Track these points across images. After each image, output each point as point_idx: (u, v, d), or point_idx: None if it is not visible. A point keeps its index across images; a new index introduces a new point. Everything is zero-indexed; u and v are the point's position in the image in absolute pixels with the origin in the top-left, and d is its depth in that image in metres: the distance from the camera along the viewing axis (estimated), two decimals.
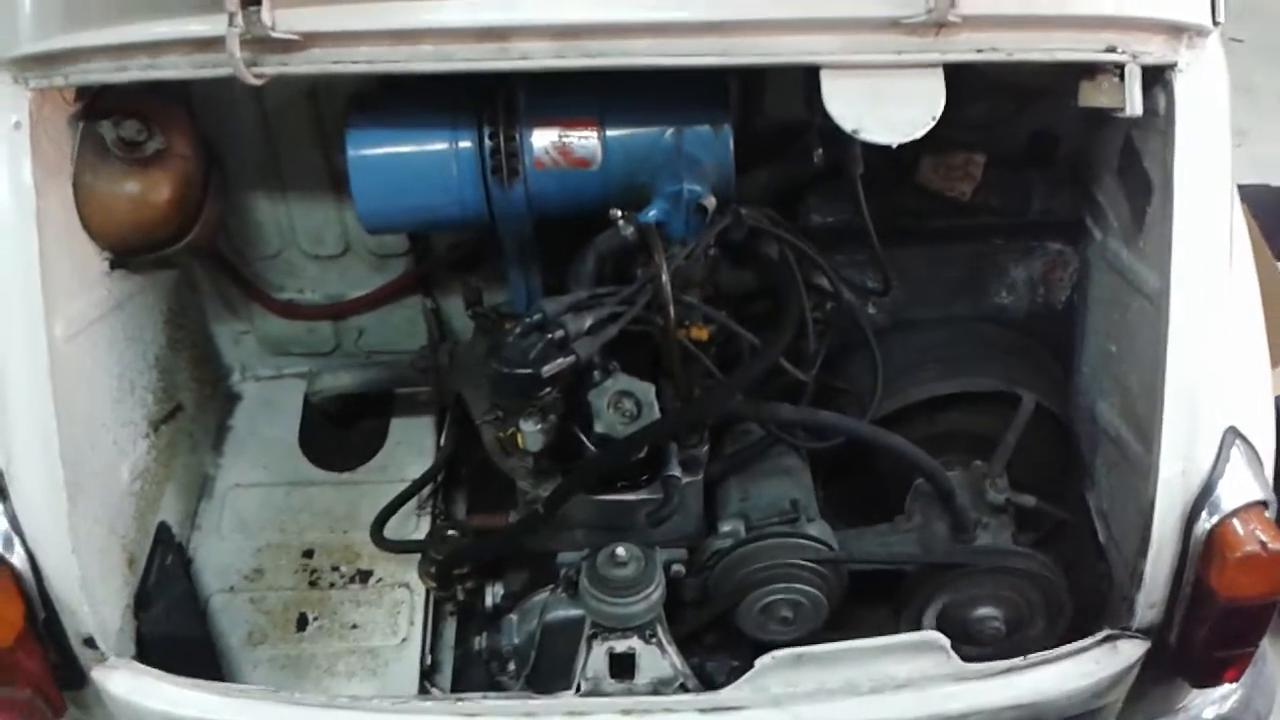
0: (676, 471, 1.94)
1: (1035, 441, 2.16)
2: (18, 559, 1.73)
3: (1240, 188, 1.92)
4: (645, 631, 1.86)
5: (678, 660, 1.89)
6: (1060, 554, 2.07)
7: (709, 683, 1.95)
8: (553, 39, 1.65)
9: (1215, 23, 1.70)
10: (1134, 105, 1.69)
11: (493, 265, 2.28)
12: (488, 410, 2.00)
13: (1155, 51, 1.69)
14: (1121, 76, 1.69)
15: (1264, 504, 1.73)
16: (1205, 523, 1.71)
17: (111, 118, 1.92)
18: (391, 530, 2.32)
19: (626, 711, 1.80)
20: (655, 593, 1.84)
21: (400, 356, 2.51)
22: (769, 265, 2.08)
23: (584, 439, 1.93)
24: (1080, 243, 2.20)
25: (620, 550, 1.85)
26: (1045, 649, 1.83)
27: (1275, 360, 2.54)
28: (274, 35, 1.60)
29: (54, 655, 1.80)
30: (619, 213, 1.91)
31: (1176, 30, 1.69)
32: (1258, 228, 3.06)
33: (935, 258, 2.26)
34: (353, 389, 2.52)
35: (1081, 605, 2.01)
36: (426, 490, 2.41)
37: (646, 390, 1.88)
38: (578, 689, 1.86)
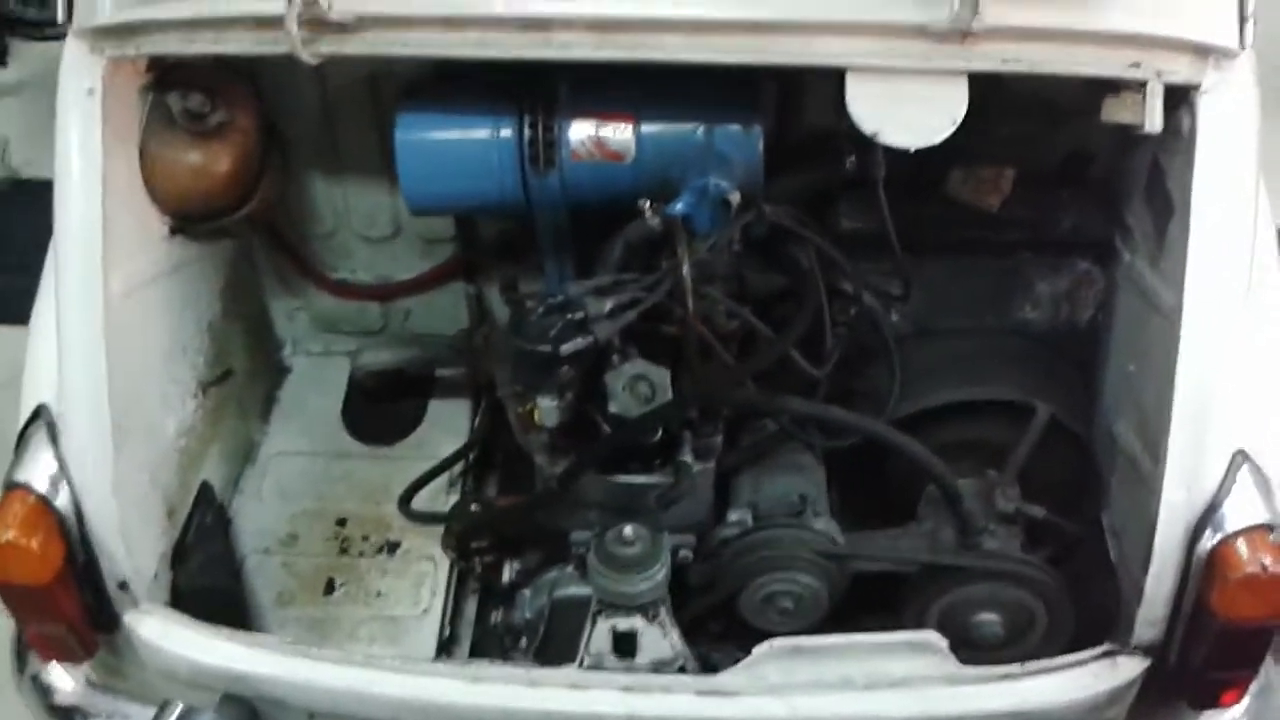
0: (688, 457, 1.99)
1: (1054, 459, 2.17)
2: (62, 501, 1.81)
3: None
4: (649, 611, 1.90)
5: (679, 642, 1.93)
6: (1072, 571, 2.07)
7: (712, 670, 1.95)
8: (592, 31, 1.71)
9: (1242, 46, 1.71)
10: (1154, 123, 1.70)
11: (535, 255, 2.35)
12: (508, 384, 2.07)
13: (1180, 71, 1.70)
14: (1145, 94, 1.71)
15: (1269, 527, 1.72)
16: (1208, 541, 1.71)
17: (179, 90, 2.02)
18: (422, 505, 2.40)
19: (626, 688, 1.83)
20: (660, 573, 1.88)
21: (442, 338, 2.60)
22: (796, 268, 2.11)
23: (599, 420, 1.99)
24: (1109, 264, 2.20)
25: (628, 530, 1.89)
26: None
27: None
28: (330, 17, 1.68)
29: (89, 597, 1.87)
30: (647, 203, 1.97)
31: (1202, 51, 1.70)
32: None
33: (961, 268, 2.28)
34: (394, 365, 2.60)
35: (1093, 623, 2.00)
36: (458, 469, 2.48)
37: (662, 375, 1.93)
38: (580, 663, 1.90)
